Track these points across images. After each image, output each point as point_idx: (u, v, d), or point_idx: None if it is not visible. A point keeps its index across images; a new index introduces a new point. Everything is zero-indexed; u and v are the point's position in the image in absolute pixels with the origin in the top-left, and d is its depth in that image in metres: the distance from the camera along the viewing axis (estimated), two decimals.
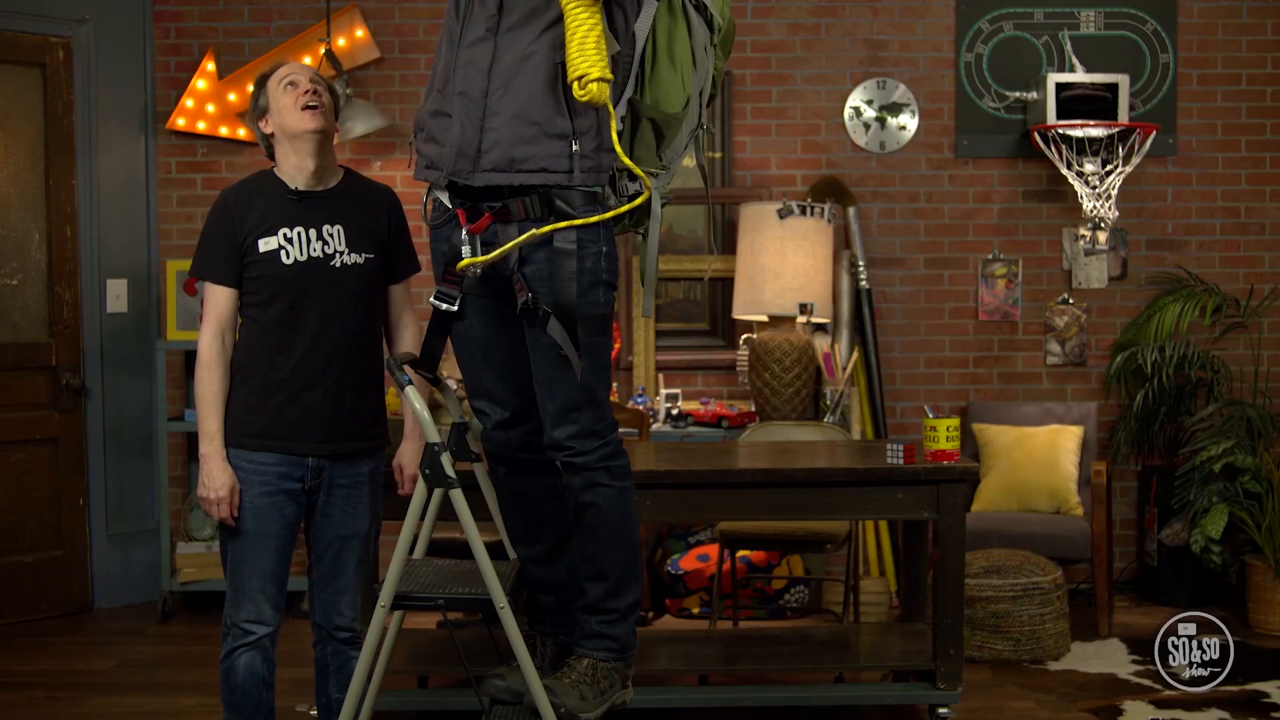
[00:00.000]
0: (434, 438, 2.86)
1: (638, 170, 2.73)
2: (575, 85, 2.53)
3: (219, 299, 3.16)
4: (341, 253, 3.19)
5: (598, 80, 2.52)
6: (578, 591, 2.93)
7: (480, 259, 2.73)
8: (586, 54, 2.52)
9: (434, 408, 5.47)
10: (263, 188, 3.20)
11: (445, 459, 2.86)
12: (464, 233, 2.75)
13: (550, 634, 3.05)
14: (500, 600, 2.82)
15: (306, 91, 3.16)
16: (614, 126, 2.63)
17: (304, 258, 3.14)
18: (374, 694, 3.00)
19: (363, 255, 3.22)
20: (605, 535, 2.84)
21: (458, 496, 2.87)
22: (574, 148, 2.67)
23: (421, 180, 2.87)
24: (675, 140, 2.90)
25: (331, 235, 3.19)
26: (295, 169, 3.19)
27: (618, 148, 2.63)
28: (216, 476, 3.11)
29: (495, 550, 3.14)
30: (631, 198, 2.80)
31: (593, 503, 2.82)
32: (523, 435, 2.94)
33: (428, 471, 2.87)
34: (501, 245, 2.71)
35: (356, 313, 3.23)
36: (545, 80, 2.67)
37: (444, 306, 2.81)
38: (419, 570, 3.01)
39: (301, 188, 3.19)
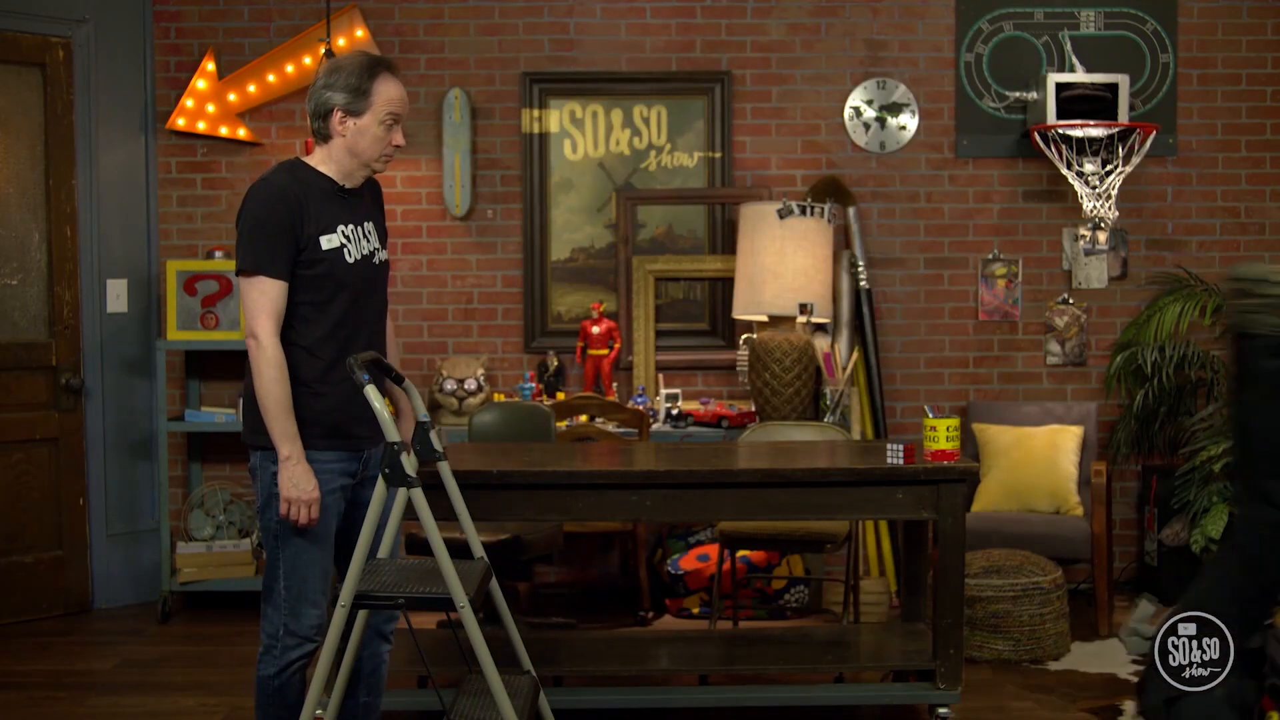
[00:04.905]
0: (393, 437, 2.87)
1: None
2: None
3: (277, 294, 3.01)
4: (378, 250, 3.21)
5: None
6: None
7: None
8: None
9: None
10: (312, 182, 3.10)
11: (405, 459, 2.86)
12: None
13: None
14: (460, 599, 2.82)
15: (399, 146, 3.15)
16: None
17: (359, 256, 3.13)
18: (339, 694, 3.04)
19: (386, 251, 3.27)
20: None
21: (418, 496, 2.88)
22: None
23: None
24: None
25: (369, 233, 3.19)
26: (345, 175, 3.15)
27: None
28: (307, 478, 2.99)
29: (459, 549, 3.15)
30: None
31: None
32: None
33: (387, 471, 2.87)
34: None
35: (386, 307, 3.29)
36: None
37: None
38: (382, 569, 3.01)
39: (347, 185, 3.18)
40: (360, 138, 3.09)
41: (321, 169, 3.13)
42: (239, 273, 3.03)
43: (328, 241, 3.06)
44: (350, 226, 3.12)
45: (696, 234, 5.80)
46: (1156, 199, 5.80)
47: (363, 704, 3.28)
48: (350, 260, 3.10)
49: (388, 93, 3.10)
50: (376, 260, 3.19)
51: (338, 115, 3.08)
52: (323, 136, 3.13)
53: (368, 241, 3.17)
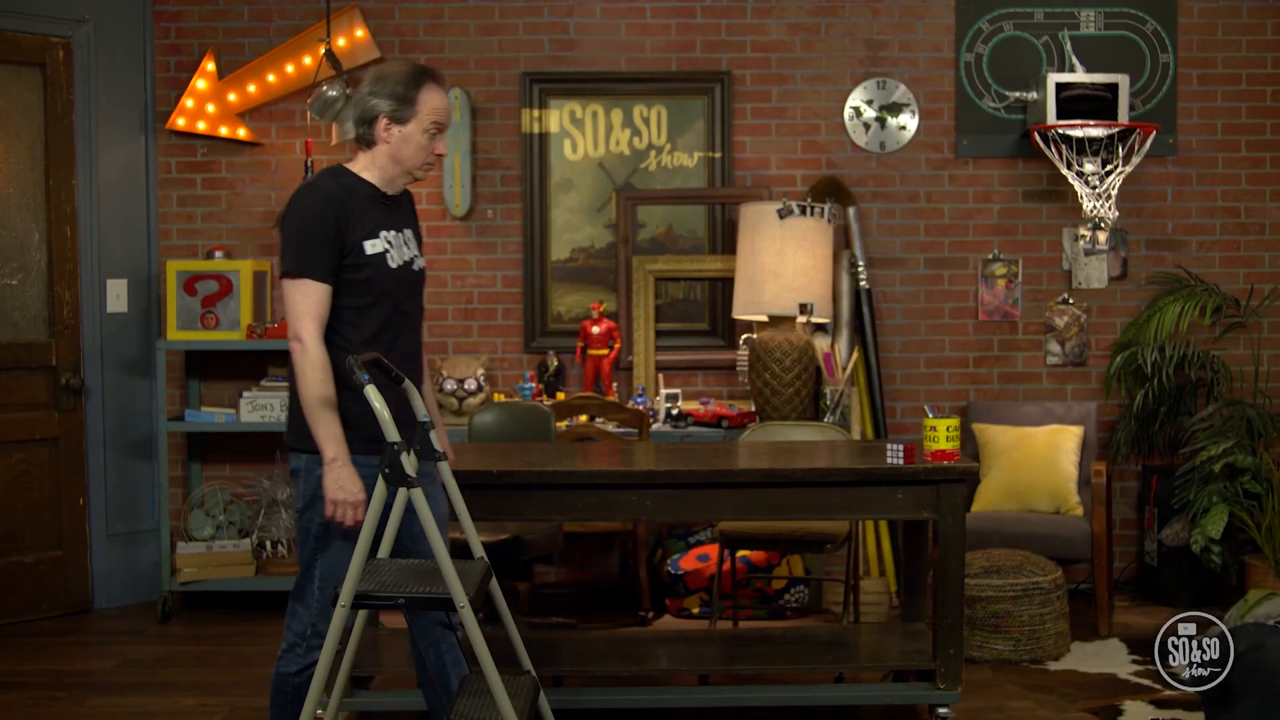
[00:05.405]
0: (393, 437, 2.87)
1: None
2: None
3: (321, 297, 3.03)
4: (416, 257, 3.24)
5: None
6: None
7: None
8: None
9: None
10: (356, 188, 3.13)
11: (405, 459, 2.87)
12: None
13: None
14: (460, 599, 2.82)
15: (442, 155, 3.18)
16: None
17: (401, 262, 3.16)
18: (339, 694, 3.03)
19: (424, 258, 3.30)
20: None
21: (418, 496, 2.88)
22: None
23: None
24: None
25: (409, 240, 3.23)
26: (388, 181, 3.18)
27: None
28: (353, 480, 2.99)
29: (459, 549, 3.15)
30: None
31: None
32: None
33: (387, 471, 2.87)
34: None
35: (423, 314, 3.32)
36: None
37: None
38: (382, 569, 3.01)
39: (389, 192, 3.20)
40: (405, 145, 3.12)
41: (364, 175, 3.16)
42: (284, 275, 3.05)
43: (372, 246, 3.09)
44: (392, 233, 3.16)
45: (696, 234, 5.80)
46: (1156, 199, 5.80)
47: (455, 692, 3.28)
48: (393, 266, 3.13)
49: (433, 102, 3.13)
50: (415, 267, 3.22)
51: (383, 122, 3.11)
52: (366, 143, 3.16)
53: (408, 248, 3.20)
